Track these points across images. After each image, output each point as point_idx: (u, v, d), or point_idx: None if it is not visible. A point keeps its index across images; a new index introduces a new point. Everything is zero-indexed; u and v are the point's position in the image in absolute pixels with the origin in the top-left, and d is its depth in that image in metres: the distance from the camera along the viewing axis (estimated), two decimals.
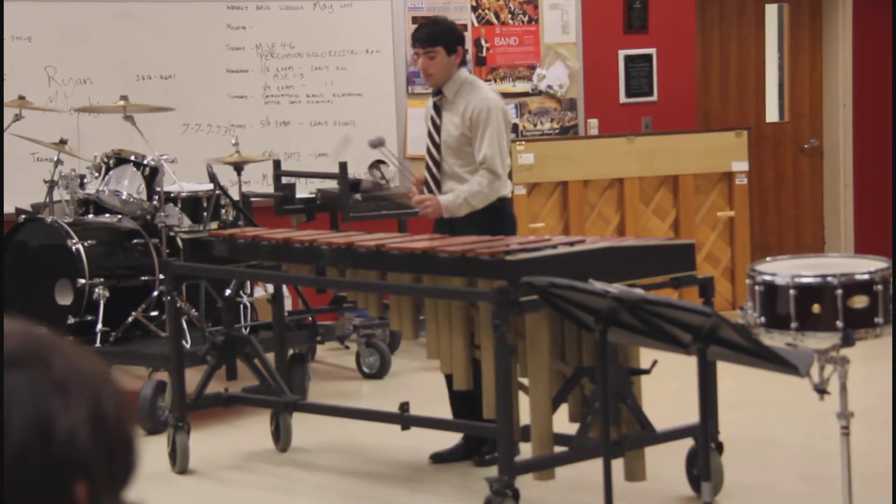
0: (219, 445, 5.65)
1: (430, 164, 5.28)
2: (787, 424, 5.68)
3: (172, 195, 6.48)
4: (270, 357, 5.67)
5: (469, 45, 8.45)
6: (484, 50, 8.48)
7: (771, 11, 9.34)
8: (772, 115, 9.44)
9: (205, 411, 5.74)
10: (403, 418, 4.93)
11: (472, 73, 8.43)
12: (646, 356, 4.24)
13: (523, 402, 4.40)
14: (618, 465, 4.33)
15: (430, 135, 5.31)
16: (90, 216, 6.51)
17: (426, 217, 5.27)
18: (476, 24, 8.47)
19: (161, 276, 6.10)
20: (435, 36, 5.22)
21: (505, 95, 8.52)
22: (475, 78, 5.45)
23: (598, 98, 8.68)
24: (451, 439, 5.22)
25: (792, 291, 3.57)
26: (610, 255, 4.39)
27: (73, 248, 6.18)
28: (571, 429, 4.48)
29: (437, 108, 5.31)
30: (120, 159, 6.45)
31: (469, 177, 5.15)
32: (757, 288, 3.66)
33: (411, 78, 8.34)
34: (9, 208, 6.96)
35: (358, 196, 7.13)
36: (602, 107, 8.69)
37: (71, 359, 1.19)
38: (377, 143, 5.33)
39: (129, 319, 6.21)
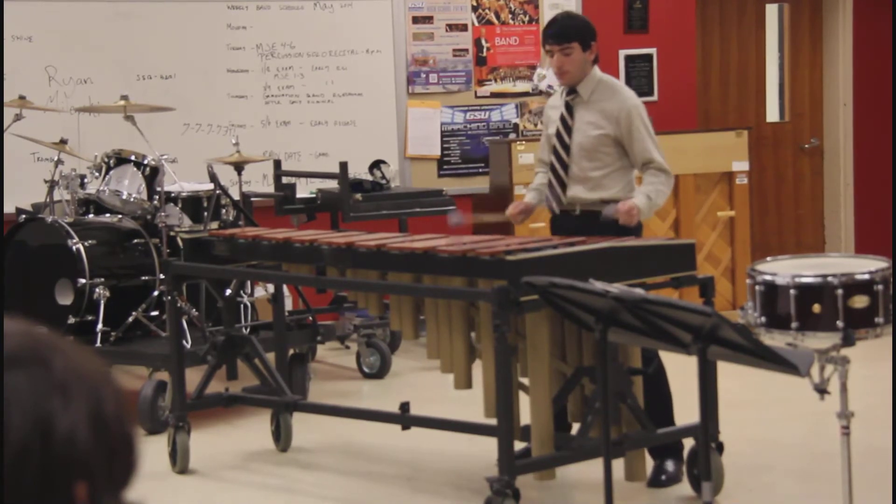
0: (219, 445, 5.65)
1: (558, 166, 4.97)
2: (787, 424, 5.68)
3: (173, 195, 6.48)
4: (271, 357, 5.67)
5: (469, 44, 8.45)
6: (484, 50, 8.48)
7: (771, 11, 9.34)
8: (772, 114, 9.44)
9: (205, 411, 5.74)
10: (404, 418, 4.93)
11: (471, 72, 8.45)
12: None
13: (523, 401, 4.40)
14: (618, 464, 4.33)
15: (558, 136, 4.98)
16: (90, 216, 6.51)
17: (629, 224, 4.78)
18: (476, 24, 8.47)
19: (161, 276, 6.10)
20: (570, 31, 4.94)
21: (505, 95, 8.57)
22: (610, 76, 5.13)
23: None
24: (451, 439, 5.21)
25: (792, 291, 3.57)
26: (610, 254, 4.39)
27: (74, 247, 6.18)
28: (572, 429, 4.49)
29: (570, 108, 4.99)
30: (120, 159, 6.45)
31: (601, 181, 4.90)
32: (757, 288, 3.66)
33: (411, 78, 8.34)
34: (9, 208, 6.97)
35: (358, 196, 7.13)
36: None
37: (71, 359, 1.19)
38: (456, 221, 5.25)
39: (130, 319, 6.21)
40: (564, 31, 4.95)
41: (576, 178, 4.96)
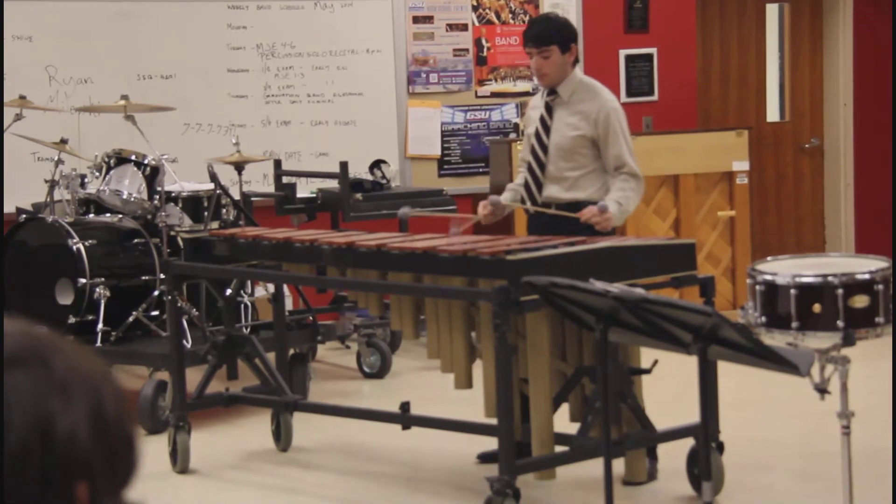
0: (219, 445, 5.65)
1: (535, 166, 5.00)
2: (788, 424, 5.68)
3: (173, 195, 6.48)
4: (271, 357, 5.68)
5: (469, 44, 8.45)
6: (484, 49, 8.48)
7: (771, 11, 9.34)
8: (772, 114, 9.44)
9: (205, 411, 5.74)
10: (404, 418, 4.93)
11: (471, 72, 8.45)
12: (646, 356, 4.25)
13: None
14: (618, 464, 4.33)
15: (537, 136, 5.02)
16: (91, 216, 6.51)
17: (603, 230, 4.80)
18: (476, 24, 8.46)
19: (162, 276, 6.10)
20: (548, 34, 4.95)
21: (505, 95, 8.57)
22: (591, 78, 5.11)
23: None
24: (451, 439, 5.21)
25: (793, 291, 3.57)
26: (610, 254, 4.39)
27: (74, 247, 6.18)
28: (572, 428, 4.48)
29: (549, 109, 5.03)
30: (121, 159, 6.45)
31: (577, 181, 4.93)
32: (758, 287, 3.66)
33: (411, 78, 8.34)
34: (9, 208, 6.96)
35: (358, 196, 7.12)
36: None
37: (71, 358, 1.18)
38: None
39: (130, 319, 6.21)
40: (543, 34, 4.96)
41: (552, 177, 4.98)
